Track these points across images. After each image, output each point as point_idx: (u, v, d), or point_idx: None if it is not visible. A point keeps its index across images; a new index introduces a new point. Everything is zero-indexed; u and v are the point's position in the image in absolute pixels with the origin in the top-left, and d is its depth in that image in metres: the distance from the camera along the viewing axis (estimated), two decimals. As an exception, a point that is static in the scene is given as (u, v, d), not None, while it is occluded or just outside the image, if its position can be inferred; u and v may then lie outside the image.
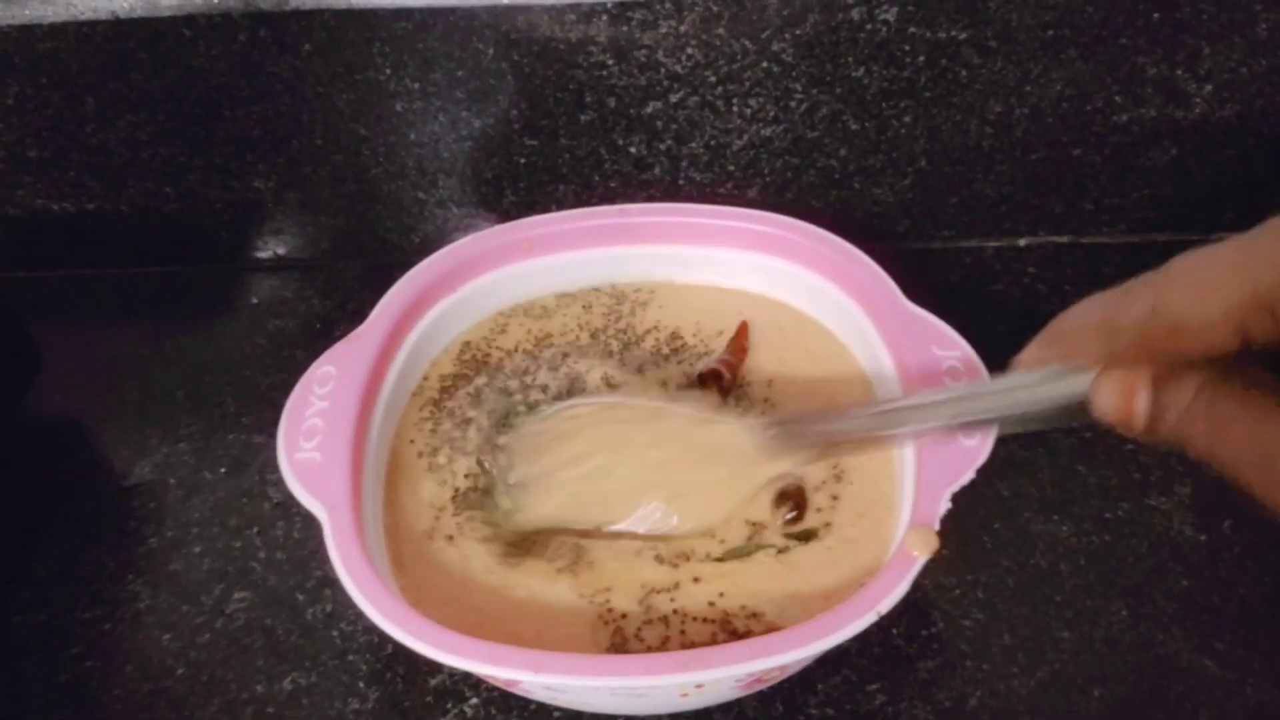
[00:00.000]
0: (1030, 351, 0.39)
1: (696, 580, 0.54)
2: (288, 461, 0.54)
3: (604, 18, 0.67)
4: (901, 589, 0.47)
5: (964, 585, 0.60)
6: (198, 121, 0.74)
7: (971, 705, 0.55)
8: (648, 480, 0.56)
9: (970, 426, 0.50)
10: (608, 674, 0.46)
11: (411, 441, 0.61)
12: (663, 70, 0.70)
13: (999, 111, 0.73)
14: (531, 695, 0.54)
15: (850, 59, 0.70)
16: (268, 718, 0.56)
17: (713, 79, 0.71)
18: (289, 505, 0.63)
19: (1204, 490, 0.63)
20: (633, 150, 0.75)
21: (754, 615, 0.52)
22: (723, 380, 0.62)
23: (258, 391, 0.73)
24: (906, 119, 0.73)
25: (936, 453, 0.52)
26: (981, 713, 0.55)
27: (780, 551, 0.54)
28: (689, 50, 0.69)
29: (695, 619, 0.52)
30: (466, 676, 0.57)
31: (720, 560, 0.55)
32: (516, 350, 0.66)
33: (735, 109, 0.72)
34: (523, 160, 0.76)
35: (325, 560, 0.50)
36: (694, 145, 0.75)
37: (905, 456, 0.54)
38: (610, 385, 0.61)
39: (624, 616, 0.53)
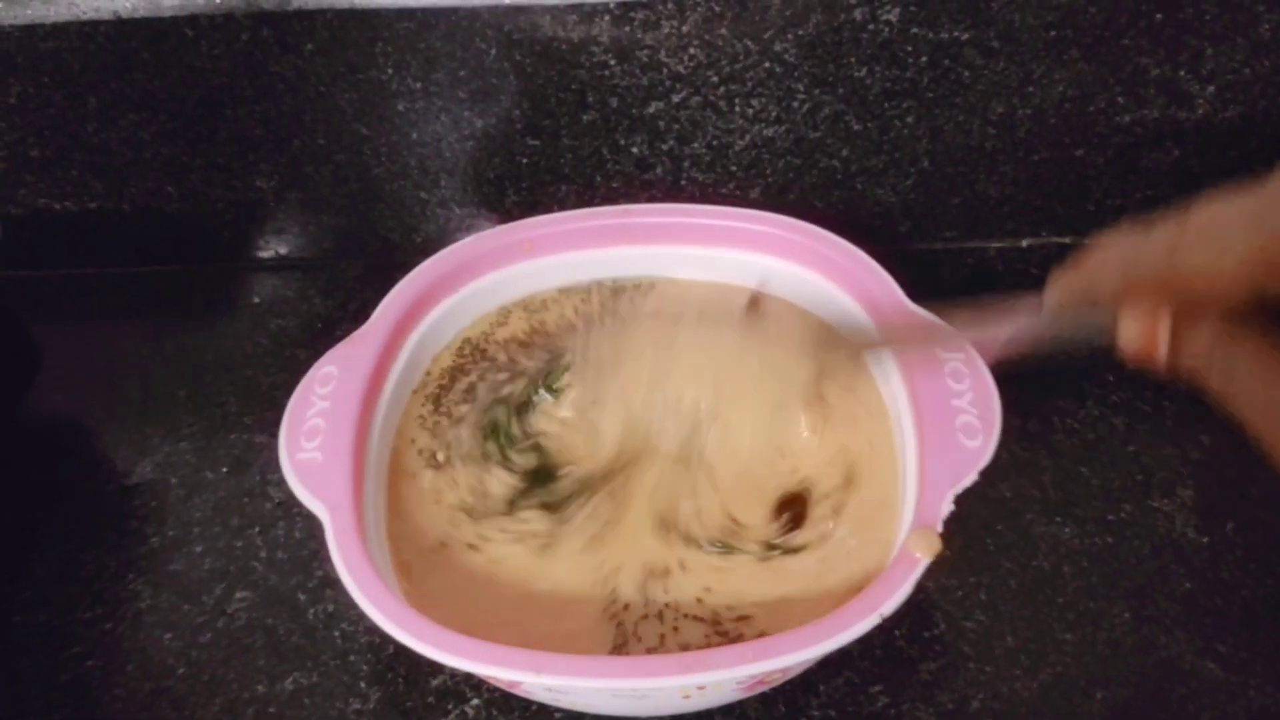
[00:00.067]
0: (1056, 286, 0.39)
1: (684, 567, 0.54)
2: (289, 461, 0.54)
3: (606, 18, 0.67)
4: (904, 591, 0.46)
5: (966, 587, 0.60)
6: (200, 121, 0.74)
7: (974, 707, 0.55)
8: (700, 397, 0.58)
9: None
10: (610, 675, 0.46)
11: (413, 441, 0.61)
12: (665, 70, 0.70)
13: (1001, 112, 0.72)
14: (533, 696, 0.54)
15: (853, 59, 0.69)
16: (269, 718, 0.56)
17: (715, 79, 0.70)
18: (290, 505, 0.63)
19: (1207, 492, 0.63)
20: (635, 150, 0.75)
21: (743, 618, 0.52)
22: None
23: (259, 391, 0.73)
24: (909, 119, 0.73)
25: (939, 454, 0.52)
26: (984, 715, 0.54)
27: (762, 560, 0.54)
28: (691, 50, 0.69)
29: (687, 615, 0.53)
30: (468, 677, 0.57)
31: (701, 549, 0.55)
32: (511, 342, 0.66)
33: (737, 109, 0.72)
34: (525, 160, 0.76)
35: (327, 560, 0.49)
36: (696, 145, 0.75)
37: (908, 458, 0.54)
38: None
39: (626, 608, 0.53)
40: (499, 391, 0.62)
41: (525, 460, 0.59)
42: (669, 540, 0.56)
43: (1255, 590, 0.59)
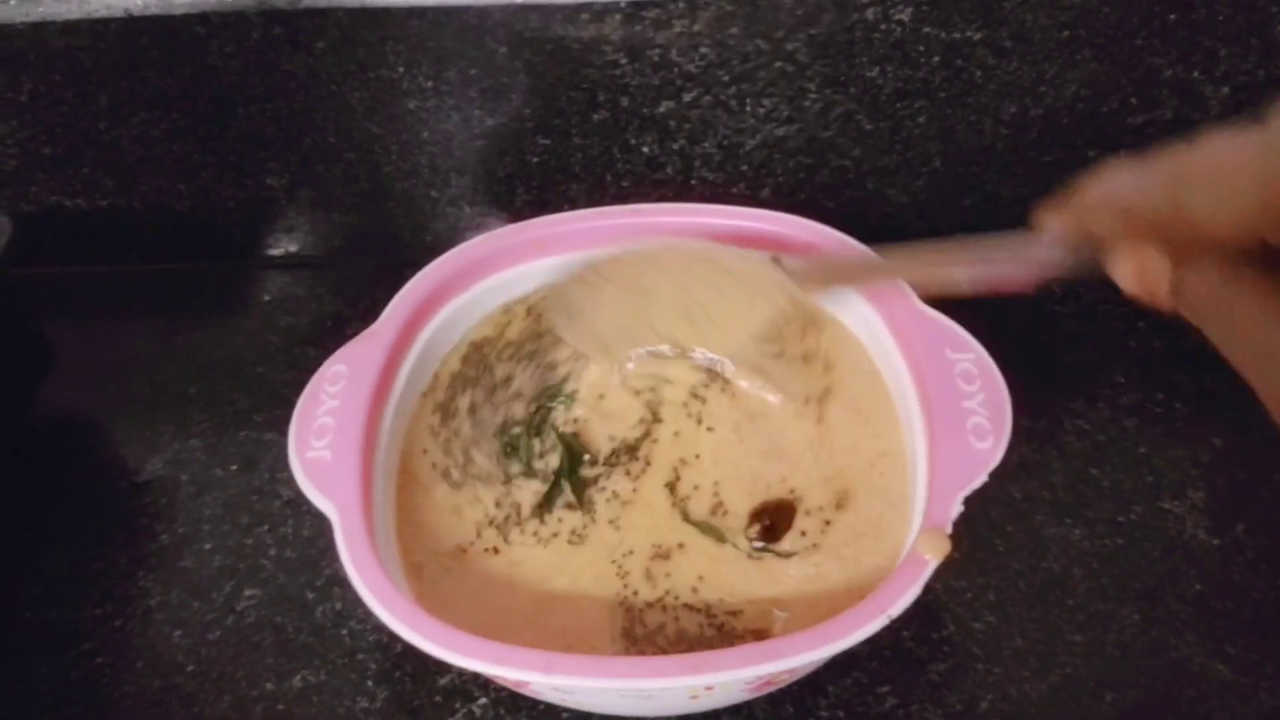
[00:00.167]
0: (1051, 219, 0.38)
1: (682, 548, 0.56)
2: (299, 460, 0.54)
3: (617, 17, 0.67)
4: (913, 592, 0.46)
5: (975, 588, 0.59)
6: (211, 119, 0.74)
7: (982, 708, 0.55)
8: (676, 299, 0.56)
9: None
10: (618, 675, 0.46)
11: (425, 451, 0.61)
12: (676, 70, 0.70)
13: (1014, 112, 0.72)
14: (540, 696, 0.54)
15: (864, 59, 0.69)
16: (277, 715, 0.56)
17: (726, 78, 0.70)
18: (299, 503, 0.63)
19: (1218, 494, 0.63)
20: (645, 150, 0.75)
21: (734, 613, 0.53)
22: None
23: (269, 389, 0.73)
24: (921, 119, 0.73)
25: (949, 455, 0.52)
26: (992, 716, 0.54)
27: (750, 556, 0.55)
28: (702, 50, 0.69)
29: (685, 605, 0.54)
30: (475, 677, 0.57)
31: (696, 527, 0.57)
32: (509, 348, 0.66)
33: (748, 109, 0.72)
34: (535, 159, 0.76)
35: (335, 559, 0.49)
36: (707, 145, 0.75)
37: (918, 459, 0.54)
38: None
39: (635, 594, 0.54)
40: (509, 410, 0.62)
41: (549, 463, 0.60)
42: (673, 512, 0.56)
43: (1266, 592, 0.58)
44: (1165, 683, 0.55)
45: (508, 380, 0.64)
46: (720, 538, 0.56)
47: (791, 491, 0.57)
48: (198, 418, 0.72)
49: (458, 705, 0.56)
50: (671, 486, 0.58)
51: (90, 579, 0.63)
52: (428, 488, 0.59)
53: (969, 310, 0.57)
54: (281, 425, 0.56)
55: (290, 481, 0.54)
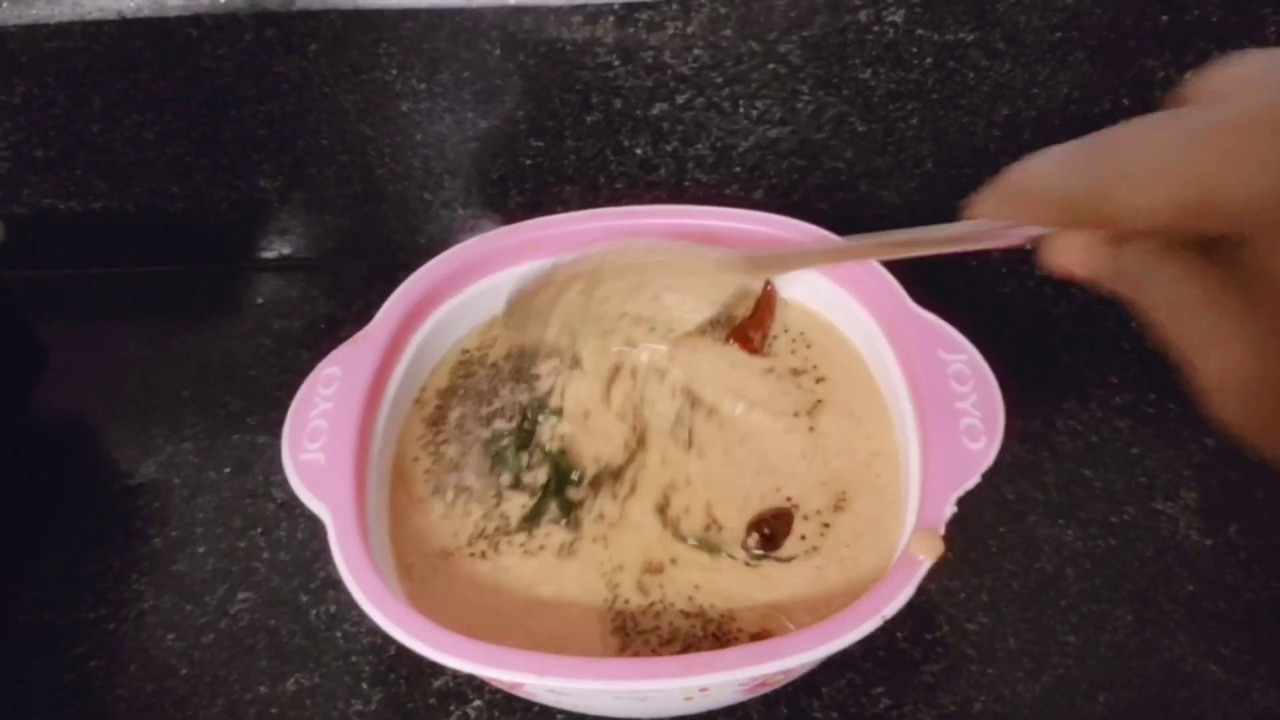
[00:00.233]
0: (984, 204, 0.40)
1: (675, 563, 0.55)
2: (292, 462, 0.54)
3: (610, 19, 0.67)
4: (906, 593, 0.46)
5: (969, 589, 0.60)
6: (204, 121, 0.74)
7: (976, 709, 0.55)
8: (632, 285, 0.57)
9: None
10: (611, 677, 0.46)
11: (415, 459, 0.61)
12: (669, 71, 0.70)
13: (1006, 114, 0.72)
14: (534, 698, 0.54)
15: (857, 60, 0.69)
16: (271, 718, 0.56)
17: (719, 80, 0.70)
18: (293, 506, 0.63)
19: (1210, 495, 0.63)
20: (639, 152, 0.75)
21: (731, 619, 0.53)
22: (752, 342, 0.64)
23: (263, 391, 0.73)
24: (913, 121, 0.73)
25: (942, 456, 0.52)
26: (986, 717, 0.54)
27: (748, 564, 0.55)
28: (695, 51, 0.69)
29: (680, 612, 0.53)
30: (470, 679, 0.57)
31: (689, 544, 0.56)
32: (493, 366, 0.66)
33: (741, 110, 0.72)
34: (528, 161, 0.76)
35: (329, 561, 0.50)
36: (700, 147, 0.75)
37: (911, 460, 0.54)
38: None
39: (626, 602, 0.54)
40: (492, 424, 0.62)
41: (537, 477, 0.59)
42: (664, 533, 0.56)
43: (1258, 593, 0.59)
44: (1158, 683, 0.55)
45: (494, 394, 0.64)
46: (715, 551, 0.55)
47: (788, 499, 0.57)
48: (191, 420, 0.72)
49: (452, 708, 0.56)
50: (661, 509, 0.57)
51: (84, 582, 0.63)
52: (419, 492, 0.59)
53: (962, 311, 0.58)
54: (275, 428, 0.56)
55: (284, 484, 0.54)
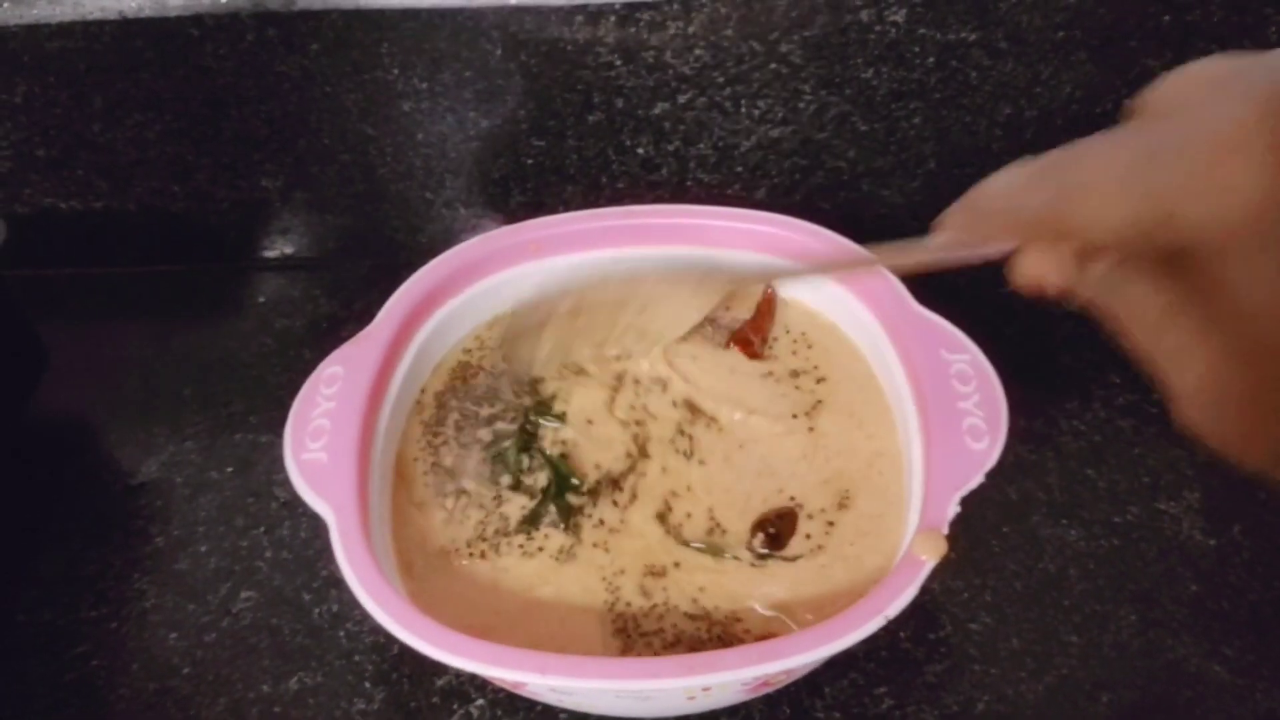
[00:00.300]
0: (950, 223, 0.41)
1: (678, 565, 0.55)
2: (294, 462, 0.54)
3: (612, 19, 0.67)
4: (910, 593, 0.46)
5: (972, 589, 0.59)
6: (205, 121, 0.74)
7: (979, 709, 0.55)
8: (617, 303, 0.58)
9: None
10: (615, 677, 0.46)
11: (415, 459, 0.61)
12: (671, 71, 0.70)
13: (1009, 113, 0.72)
14: (537, 697, 0.54)
15: (859, 60, 0.69)
16: (274, 717, 0.56)
17: (721, 80, 0.70)
18: (295, 505, 0.63)
19: (1214, 495, 0.63)
20: (640, 151, 0.75)
21: (737, 619, 0.52)
22: (752, 345, 0.64)
23: (265, 391, 0.73)
24: (915, 120, 0.73)
25: (945, 456, 0.52)
26: (989, 717, 0.54)
27: (754, 565, 0.55)
28: (697, 51, 0.69)
29: (685, 614, 0.53)
30: (473, 678, 0.57)
31: (693, 548, 0.56)
32: (501, 365, 0.66)
33: (743, 110, 0.72)
34: (530, 161, 0.76)
35: (331, 560, 0.49)
36: (702, 146, 0.75)
37: (914, 460, 0.54)
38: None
39: (628, 605, 0.53)
40: (493, 425, 0.62)
41: (537, 480, 0.59)
42: (666, 539, 0.56)
43: (1262, 593, 0.59)
44: (1162, 683, 0.55)
45: (496, 395, 0.63)
46: (719, 553, 0.55)
47: (791, 499, 0.57)
48: (193, 420, 0.72)
49: (455, 706, 0.56)
50: (662, 517, 0.57)
51: (85, 581, 0.63)
52: (420, 491, 0.59)
53: (964, 311, 0.58)
54: (277, 427, 0.56)
55: (286, 483, 0.54)
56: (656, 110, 0.72)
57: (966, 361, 0.56)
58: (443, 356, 0.65)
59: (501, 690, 0.56)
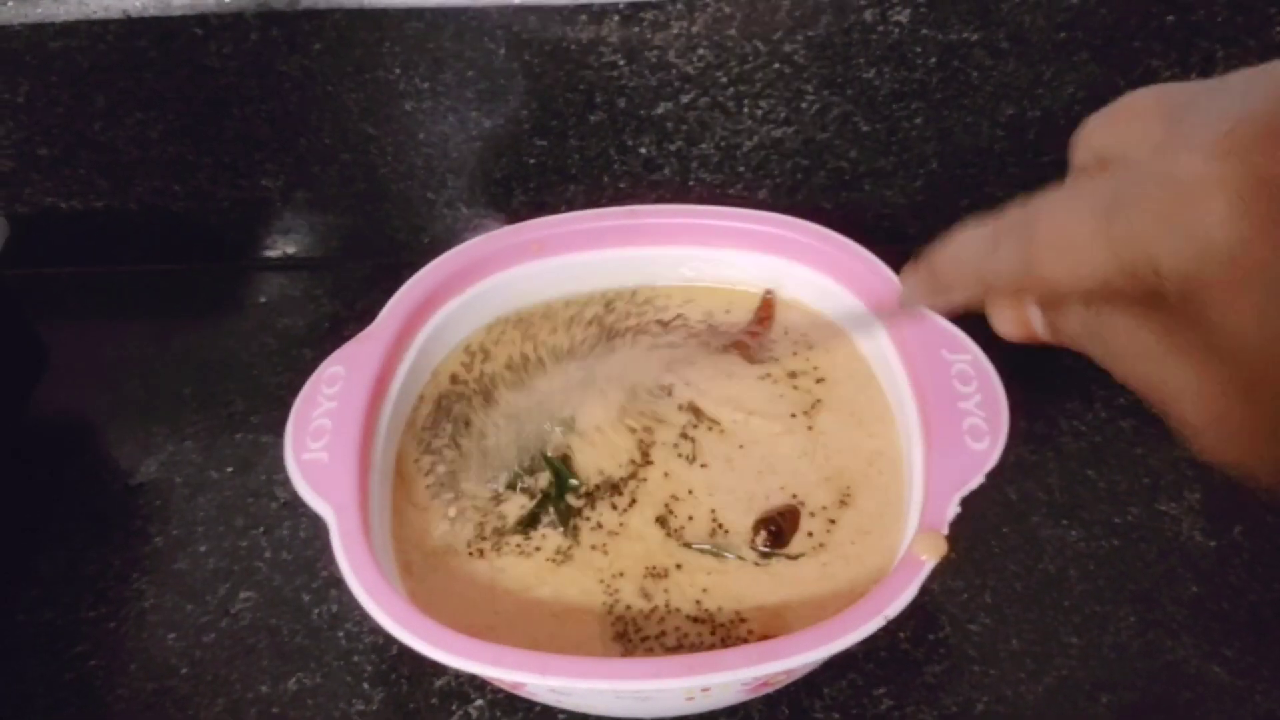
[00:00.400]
0: (910, 288, 0.41)
1: (679, 567, 0.55)
2: (295, 462, 0.54)
3: (615, 18, 0.67)
4: (909, 593, 0.46)
5: (972, 590, 0.59)
6: (207, 120, 0.74)
7: (978, 710, 0.55)
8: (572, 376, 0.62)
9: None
10: (614, 677, 0.46)
11: (416, 461, 0.61)
12: (673, 71, 0.70)
13: (1011, 114, 0.72)
14: (536, 698, 0.54)
15: (862, 60, 0.69)
16: (272, 718, 0.56)
17: (724, 80, 0.70)
18: (295, 505, 0.63)
19: (1214, 496, 0.63)
20: (643, 151, 0.75)
21: (740, 620, 0.52)
22: (750, 350, 0.64)
23: (265, 391, 0.73)
24: (918, 121, 0.73)
25: (946, 457, 0.52)
26: (988, 718, 0.54)
27: (757, 564, 0.54)
28: (700, 51, 0.69)
29: (687, 617, 0.53)
30: (472, 678, 0.57)
31: (695, 549, 0.56)
32: (504, 368, 0.66)
33: (746, 110, 0.72)
34: (532, 161, 0.76)
35: (331, 561, 0.49)
36: (704, 146, 0.75)
37: (915, 461, 0.54)
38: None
39: (628, 608, 0.53)
40: (494, 426, 0.62)
41: (537, 481, 0.59)
42: (667, 541, 0.56)
43: (1262, 594, 0.58)
44: (1161, 684, 0.55)
45: (497, 395, 0.63)
46: (722, 554, 0.55)
47: (794, 496, 0.57)
48: (193, 419, 0.72)
49: (454, 707, 0.56)
50: (663, 520, 0.57)
51: (84, 581, 0.63)
52: (420, 492, 0.59)
53: (965, 311, 0.57)
54: (278, 427, 0.56)
55: (286, 483, 0.54)
56: (659, 110, 0.72)
57: (967, 362, 0.56)
58: (445, 356, 0.65)
59: (501, 691, 0.56)
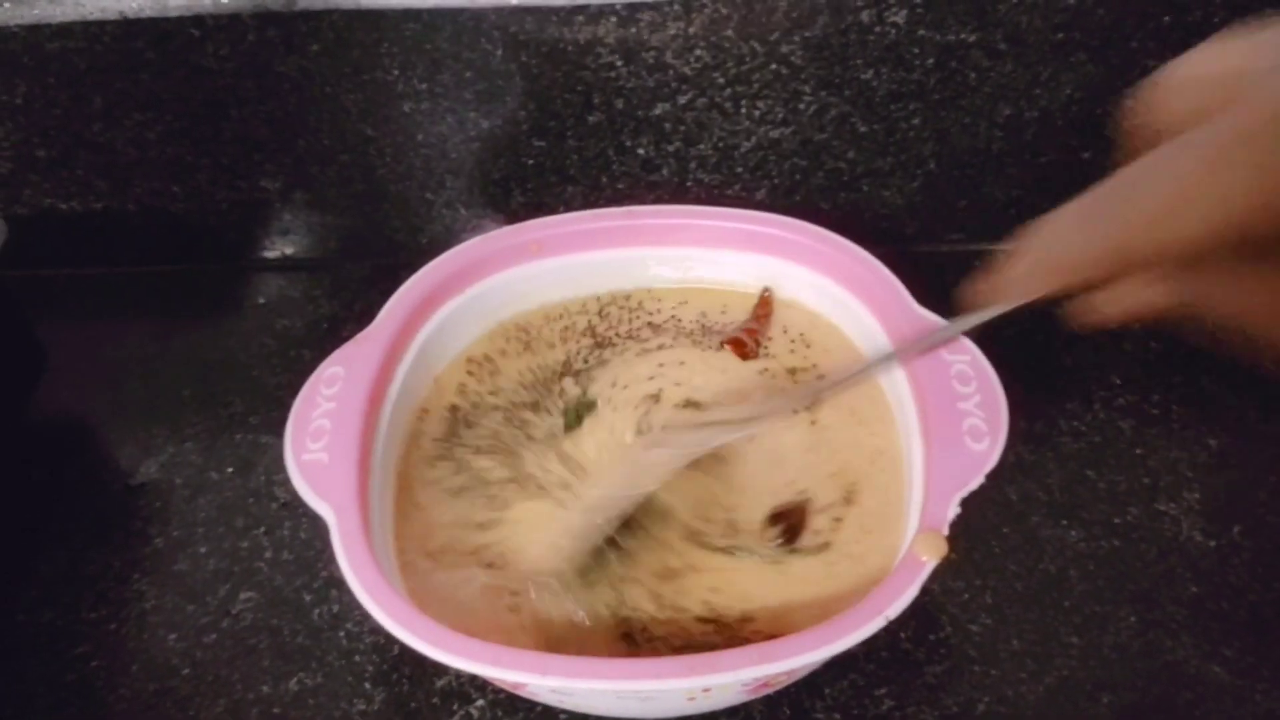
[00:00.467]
0: (1009, 286, 0.38)
1: (694, 569, 0.55)
2: (295, 462, 0.54)
3: (613, 19, 0.67)
4: (910, 594, 0.46)
5: (972, 590, 0.59)
6: (205, 121, 0.74)
7: (979, 711, 0.55)
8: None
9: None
10: (615, 677, 0.46)
11: (417, 460, 0.61)
12: (671, 72, 0.70)
13: (1008, 114, 0.72)
14: (537, 698, 0.54)
15: (859, 61, 0.69)
16: (273, 718, 0.56)
17: (721, 81, 0.70)
18: (296, 505, 0.63)
19: (1214, 496, 0.63)
20: (641, 152, 0.75)
21: (747, 620, 0.52)
22: (745, 347, 0.64)
23: (265, 391, 0.73)
24: (915, 121, 0.73)
25: (945, 457, 0.52)
26: (989, 718, 0.54)
27: (771, 561, 0.54)
28: (697, 52, 0.69)
29: (694, 617, 0.53)
30: (473, 679, 0.57)
31: (710, 549, 0.56)
32: (504, 366, 0.66)
33: (744, 111, 0.72)
34: (530, 161, 0.76)
35: (332, 560, 0.49)
36: (702, 147, 0.75)
37: (914, 461, 0.54)
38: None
39: (635, 610, 0.53)
40: (496, 426, 0.62)
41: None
42: (681, 543, 0.56)
43: (1262, 594, 0.59)
44: (1161, 685, 0.55)
45: (499, 395, 0.63)
46: (733, 552, 0.55)
47: (801, 492, 0.57)
48: (192, 420, 0.72)
49: (455, 707, 0.56)
50: (674, 526, 0.57)
51: (85, 582, 0.63)
52: (421, 491, 0.59)
53: (965, 312, 0.58)
54: (277, 428, 0.56)
55: (286, 484, 0.54)
56: (657, 111, 0.72)
57: (967, 362, 0.56)
58: (444, 356, 0.65)
59: (502, 691, 0.56)
